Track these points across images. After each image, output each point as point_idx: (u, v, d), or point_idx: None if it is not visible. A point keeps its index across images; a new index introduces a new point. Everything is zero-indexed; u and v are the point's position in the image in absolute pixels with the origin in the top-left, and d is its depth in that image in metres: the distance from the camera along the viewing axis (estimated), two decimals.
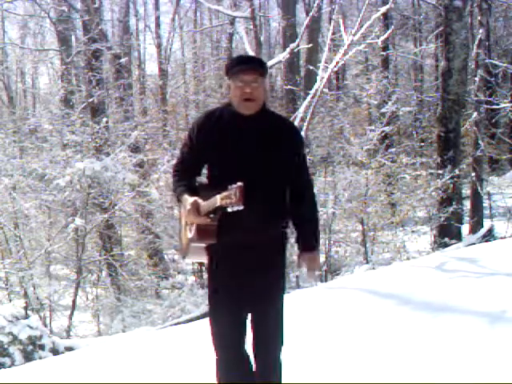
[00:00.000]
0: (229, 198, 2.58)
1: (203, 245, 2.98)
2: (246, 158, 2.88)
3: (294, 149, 2.97)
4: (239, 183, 2.54)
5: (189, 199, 2.85)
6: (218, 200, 2.66)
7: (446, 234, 12.12)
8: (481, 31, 13.75)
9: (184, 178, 3.01)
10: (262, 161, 2.89)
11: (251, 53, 10.35)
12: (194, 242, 2.94)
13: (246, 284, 2.95)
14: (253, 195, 2.71)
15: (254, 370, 3.02)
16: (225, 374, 2.99)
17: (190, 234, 2.97)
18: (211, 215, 2.84)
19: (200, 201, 2.83)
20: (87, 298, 13.95)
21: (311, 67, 13.39)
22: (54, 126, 15.77)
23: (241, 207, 2.55)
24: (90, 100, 15.42)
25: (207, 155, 2.95)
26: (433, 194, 12.52)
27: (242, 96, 2.84)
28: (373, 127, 13.53)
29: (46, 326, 11.02)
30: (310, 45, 14.64)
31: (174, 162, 3.12)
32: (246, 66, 2.84)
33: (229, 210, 2.62)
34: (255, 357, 3.02)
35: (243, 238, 2.90)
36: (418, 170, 13.85)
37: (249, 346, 3.03)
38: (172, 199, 2.92)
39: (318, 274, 2.69)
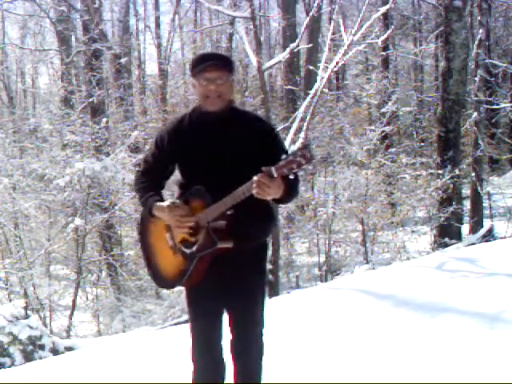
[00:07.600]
0: (294, 163, 2.39)
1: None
2: (218, 157, 2.78)
3: (266, 138, 2.83)
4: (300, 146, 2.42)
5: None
6: (273, 172, 2.44)
7: (446, 234, 12.12)
8: (481, 31, 13.74)
9: (156, 188, 2.93)
10: (235, 158, 2.78)
11: (251, 53, 10.32)
12: (207, 249, 2.71)
13: (222, 286, 2.84)
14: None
15: (233, 374, 2.94)
16: (199, 379, 2.94)
17: (190, 249, 2.74)
18: (228, 212, 2.65)
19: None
20: (87, 298, 13.95)
21: (311, 67, 13.37)
22: (54, 126, 15.78)
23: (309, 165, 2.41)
24: (90, 100, 15.42)
25: (180, 160, 2.87)
26: (433, 193, 12.52)
27: (206, 94, 2.78)
28: (373, 127, 13.54)
29: (46, 326, 11.02)
30: (310, 45, 14.62)
31: (139, 172, 3.00)
32: (210, 64, 2.75)
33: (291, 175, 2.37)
34: (233, 364, 2.92)
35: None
36: (418, 170, 13.86)
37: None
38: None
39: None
